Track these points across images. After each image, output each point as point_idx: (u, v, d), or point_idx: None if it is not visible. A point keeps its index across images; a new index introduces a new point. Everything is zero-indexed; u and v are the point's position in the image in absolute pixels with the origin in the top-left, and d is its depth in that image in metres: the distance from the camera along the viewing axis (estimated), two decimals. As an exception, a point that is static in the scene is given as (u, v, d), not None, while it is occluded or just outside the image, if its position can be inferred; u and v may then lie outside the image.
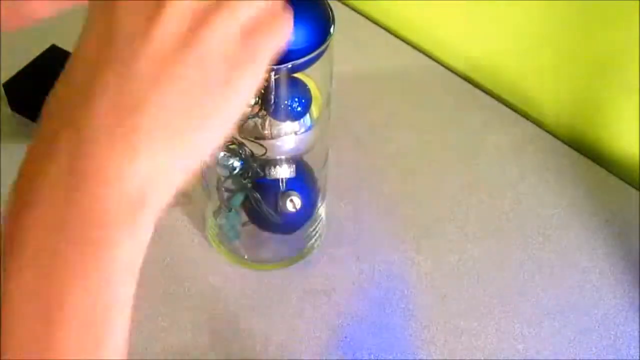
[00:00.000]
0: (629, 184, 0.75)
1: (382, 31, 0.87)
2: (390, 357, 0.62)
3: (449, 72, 0.83)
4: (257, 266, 0.68)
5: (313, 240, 0.68)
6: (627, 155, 0.75)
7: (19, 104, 0.77)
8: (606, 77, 0.73)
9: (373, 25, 0.88)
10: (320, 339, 0.63)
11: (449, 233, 0.70)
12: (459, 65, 0.84)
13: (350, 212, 0.71)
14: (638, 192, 0.74)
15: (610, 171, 0.76)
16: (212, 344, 0.63)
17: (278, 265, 0.68)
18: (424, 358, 0.62)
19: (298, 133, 0.58)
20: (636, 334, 0.64)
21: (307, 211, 0.65)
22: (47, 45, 0.78)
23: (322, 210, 0.68)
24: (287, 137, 0.58)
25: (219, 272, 0.67)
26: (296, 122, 0.58)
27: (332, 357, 0.62)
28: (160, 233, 0.69)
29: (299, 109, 0.57)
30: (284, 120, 0.58)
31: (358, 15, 0.88)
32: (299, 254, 0.68)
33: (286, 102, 0.57)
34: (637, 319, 0.65)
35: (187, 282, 0.66)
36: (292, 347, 0.63)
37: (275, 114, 0.57)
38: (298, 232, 0.67)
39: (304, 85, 0.58)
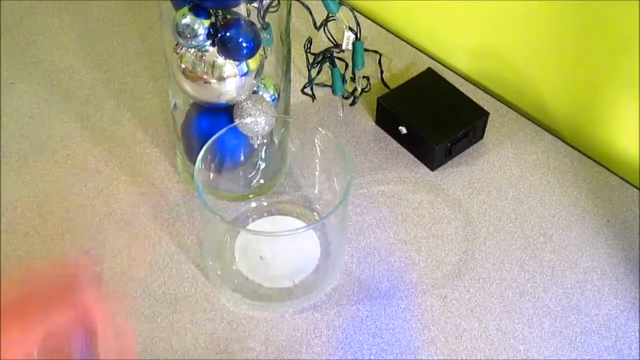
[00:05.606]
0: (631, 183, 0.74)
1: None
2: (391, 358, 0.62)
3: (450, 72, 0.83)
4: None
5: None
6: (628, 155, 0.75)
7: (384, 119, 0.77)
8: (608, 76, 0.73)
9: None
10: (320, 339, 0.63)
11: (449, 233, 0.70)
12: (460, 64, 0.84)
13: (351, 212, 0.71)
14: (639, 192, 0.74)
15: (611, 171, 0.75)
16: (212, 344, 0.63)
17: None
18: (425, 358, 0.62)
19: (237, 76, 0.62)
20: (637, 334, 0.64)
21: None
22: (424, 68, 0.80)
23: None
24: (229, 79, 0.62)
25: (219, 272, 0.67)
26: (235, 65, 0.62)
27: (332, 357, 0.62)
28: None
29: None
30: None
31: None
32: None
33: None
34: (638, 320, 0.65)
35: (186, 282, 0.66)
36: (292, 347, 0.63)
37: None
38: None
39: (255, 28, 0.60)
